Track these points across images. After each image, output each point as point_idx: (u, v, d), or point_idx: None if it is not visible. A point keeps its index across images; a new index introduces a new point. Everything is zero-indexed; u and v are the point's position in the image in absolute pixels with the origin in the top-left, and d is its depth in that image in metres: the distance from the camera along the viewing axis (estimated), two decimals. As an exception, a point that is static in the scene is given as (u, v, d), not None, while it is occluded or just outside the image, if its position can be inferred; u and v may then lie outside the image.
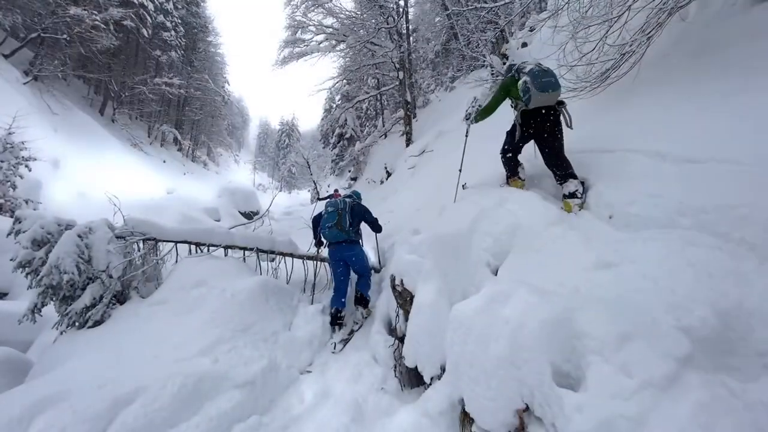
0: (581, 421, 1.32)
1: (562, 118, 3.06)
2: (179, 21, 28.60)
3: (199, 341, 3.15)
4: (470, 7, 6.55)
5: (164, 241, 4.39)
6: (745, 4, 3.50)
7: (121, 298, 3.99)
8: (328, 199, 4.58)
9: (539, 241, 2.57)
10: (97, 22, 19.22)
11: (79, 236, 3.81)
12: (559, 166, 3.00)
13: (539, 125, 3.07)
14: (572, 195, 2.82)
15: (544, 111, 3.06)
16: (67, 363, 3.11)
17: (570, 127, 3.07)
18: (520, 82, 3.13)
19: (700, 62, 3.43)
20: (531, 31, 9.64)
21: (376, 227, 4.55)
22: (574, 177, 2.91)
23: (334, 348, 3.72)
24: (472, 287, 2.64)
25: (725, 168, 2.20)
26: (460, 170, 4.15)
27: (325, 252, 4.64)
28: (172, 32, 27.42)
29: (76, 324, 3.68)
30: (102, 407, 2.47)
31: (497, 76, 10.03)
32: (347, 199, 4.45)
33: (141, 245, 4.33)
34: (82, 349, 3.35)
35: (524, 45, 9.22)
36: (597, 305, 1.65)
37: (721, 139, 2.43)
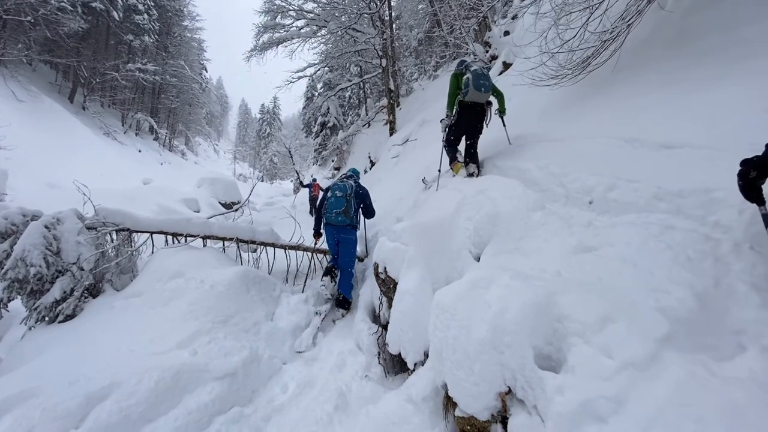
0: (562, 403, 1.33)
1: (488, 113, 3.87)
2: (152, 4, 27.36)
3: (177, 334, 3.06)
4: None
5: (139, 231, 4.24)
6: (721, -8, 3.54)
7: (94, 291, 3.83)
8: (335, 183, 4.50)
9: (521, 227, 2.58)
10: (63, 4, 18.23)
11: (47, 227, 3.63)
12: (472, 155, 3.90)
13: (470, 117, 3.80)
14: (470, 174, 3.74)
15: (476, 107, 3.81)
16: (36, 359, 2.97)
17: (486, 125, 3.91)
18: (464, 76, 3.79)
19: (678, 51, 3.47)
20: (513, 18, 9.62)
21: (371, 212, 4.56)
22: (476, 162, 3.87)
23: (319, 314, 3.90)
24: (455, 273, 2.64)
25: (701, 153, 2.25)
26: (440, 171, 4.42)
27: (321, 242, 4.63)
28: (145, 15, 26.23)
29: (46, 319, 3.52)
30: (73, 404, 2.37)
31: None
32: (351, 182, 4.41)
33: (114, 236, 4.16)
34: (52, 344, 3.20)
35: (506, 33, 9.20)
36: (578, 288, 1.66)
37: (697, 125, 2.48)
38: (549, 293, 1.68)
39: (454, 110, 3.87)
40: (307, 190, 14.05)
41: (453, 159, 4.08)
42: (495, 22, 11.19)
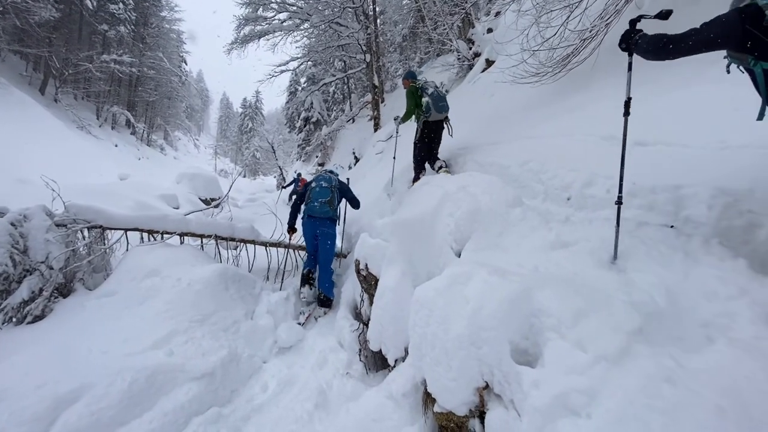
0: (538, 396, 1.34)
1: (447, 126, 4.55)
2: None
3: (152, 334, 2.97)
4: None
5: (112, 228, 4.09)
6: (695, -6, 3.63)
7: (64, 291, 3.69)
8: (319, 174, 4.48)
9: (500, 223, 2.59)
10: (33, -9, 17.39)
11: (13, 224, 3.47)
12: (435, 157, 4.55)
13: (434, 131, 4.49)
14: (440, 168, 4.35)
15: (438, 123, 4.50)
16: (3, 362, 2.84)
17: (451, 135, 4.51)
18: (424, 100, 4.41)
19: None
20: (497, 15, 9.68)
21: (356, 202, 4.54)
22: (439, 160, 4.51)
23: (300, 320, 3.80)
24: (437, 269, 2.64)
25: (673, 150, 2.31)
26: (394, 158, 5.33)
27: (296, 238, 4.52)
28: (121, 5, 25.33)
29: (14, 320, 3.37)
30: (42, 408, 2.28)
31: (463, 61, 10.06)
32: (333, 175, 4.42)
33: (86, 233, 4.01)
34: (20, 346, 3.05)
35: (490, 30, 9.25)
36: (554, 283, 1.67)
37: (669, 123, 2.54)
38: (526, 288, 1.69)
39: (418, 130, 4.54)
40: (291, 187, 13.88)
41: (417, 178, 4.60)
42: (478, 19, 11.23)
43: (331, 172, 4.61)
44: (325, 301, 4.02)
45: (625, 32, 1.84)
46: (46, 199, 4.02)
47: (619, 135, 2.67)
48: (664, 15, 1.78)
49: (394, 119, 4.75)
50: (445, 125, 4.51)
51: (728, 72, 1.72)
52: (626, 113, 1.88)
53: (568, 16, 3.90)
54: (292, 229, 4.45)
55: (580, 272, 1.81)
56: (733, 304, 1.38)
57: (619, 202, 1.84)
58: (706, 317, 1.34)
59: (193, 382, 2.71)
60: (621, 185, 1.87)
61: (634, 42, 1.79)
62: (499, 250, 2.34)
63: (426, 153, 4.53)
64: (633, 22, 1.81)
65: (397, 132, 5.42)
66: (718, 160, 2.01)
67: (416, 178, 4.59)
